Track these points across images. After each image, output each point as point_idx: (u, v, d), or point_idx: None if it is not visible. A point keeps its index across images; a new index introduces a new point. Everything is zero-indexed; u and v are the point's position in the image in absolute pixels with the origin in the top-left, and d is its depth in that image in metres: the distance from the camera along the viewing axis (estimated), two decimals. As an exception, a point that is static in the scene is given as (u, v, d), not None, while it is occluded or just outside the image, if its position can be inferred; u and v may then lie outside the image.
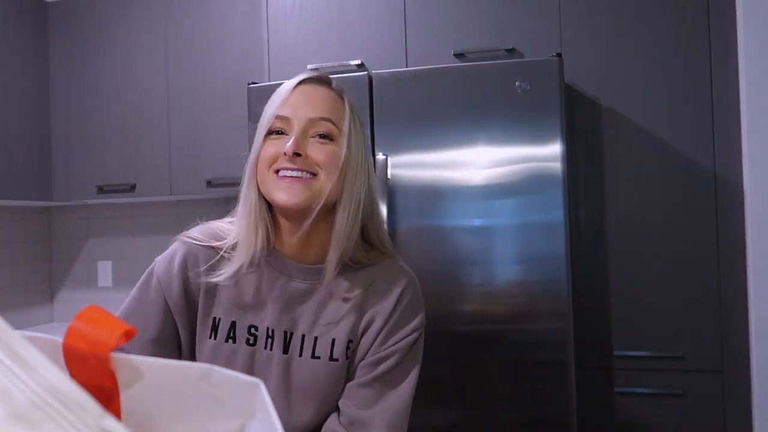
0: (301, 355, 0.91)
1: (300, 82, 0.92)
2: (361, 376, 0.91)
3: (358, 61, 1.93)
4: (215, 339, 0.93)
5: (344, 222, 0.90)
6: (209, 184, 2.31)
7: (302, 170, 0.87)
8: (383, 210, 1.63)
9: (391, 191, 1.69)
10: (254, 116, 1.83)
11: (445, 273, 1.65)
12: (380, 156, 1.68)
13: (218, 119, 2.31)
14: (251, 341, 0.92)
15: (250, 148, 2.11)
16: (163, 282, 0.93)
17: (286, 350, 0.91)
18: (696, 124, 1.75)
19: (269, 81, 2.01)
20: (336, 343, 0.91)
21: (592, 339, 1.78)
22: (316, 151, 0.88)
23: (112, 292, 2.76)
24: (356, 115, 0.94)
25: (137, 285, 0.96)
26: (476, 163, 1.65)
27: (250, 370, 0.91)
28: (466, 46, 1.88)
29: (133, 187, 2.41)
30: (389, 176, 1.69)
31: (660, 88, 1.78)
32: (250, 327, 0.92)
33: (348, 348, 0.92)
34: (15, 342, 0.32)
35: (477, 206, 1.65)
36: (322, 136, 0.89)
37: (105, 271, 2.78)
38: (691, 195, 1.75)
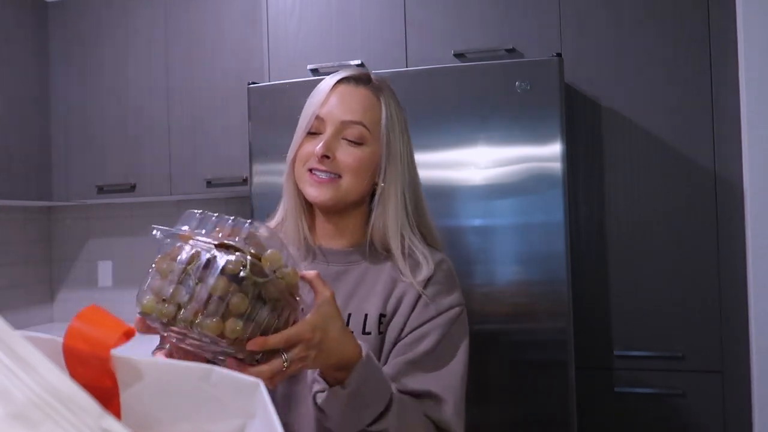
0: None
1: (338, 82, 0.96)
2: (405, 353, 0.91)
3: (358, 61, 1.93)
4: None
5: (382, 212, 0.96)
6: (209, 184, 2.30)
7: (329, 172, 0.93)
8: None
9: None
10: (254, 116, 1.84)
11: (445, 273, 1.65)
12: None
13: (218, 119, 2.31)
14: None
15: (250, 147, 2.09)
16: None
17: None
18: (696, 124, 1.75)
19: (269, 81, 2.01)
20: (369, 317, 0.93)
21: (592, 339, 1.78)
22: (345, 154, 0.93)
23: (112, 292, 2.76)
24: (396, 113, 0.99)
25: None
26: (476, 163, 1.65)
27: None
28: (466, 46, 1.88)
29: (133, 187, 2.41)
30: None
31: (660, 88, 1.77)
32: None
33: (380, 322, 0.93)
34: (15, 342, 0.32)
35: (477, 206, 1.65)
36: (353, 140, 0.94)
37: (105, 271, 2.77)
38: (691, 195, 1.75)
